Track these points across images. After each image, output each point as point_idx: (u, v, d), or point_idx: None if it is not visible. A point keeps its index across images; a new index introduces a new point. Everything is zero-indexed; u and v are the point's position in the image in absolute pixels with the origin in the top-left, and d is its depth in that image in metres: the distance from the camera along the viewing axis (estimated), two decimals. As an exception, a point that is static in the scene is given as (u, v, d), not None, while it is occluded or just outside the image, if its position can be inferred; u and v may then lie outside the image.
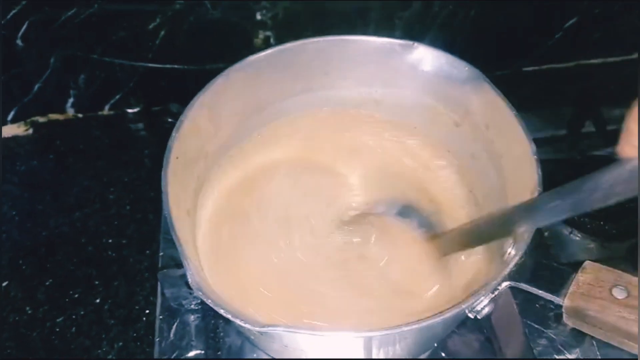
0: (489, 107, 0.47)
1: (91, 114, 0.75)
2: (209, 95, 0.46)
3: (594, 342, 0.54)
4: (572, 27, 0.75)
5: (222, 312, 0.36)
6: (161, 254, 0.60)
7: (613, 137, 0.70)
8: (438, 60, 0.49)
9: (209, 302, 0.37)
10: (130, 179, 0.69)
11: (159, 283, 0.58)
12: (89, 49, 0.68)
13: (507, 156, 0.47)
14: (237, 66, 0.48)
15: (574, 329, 0.54)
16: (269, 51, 0.49)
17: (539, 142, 0.67)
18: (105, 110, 0.75)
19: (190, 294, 0.56)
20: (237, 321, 0.36)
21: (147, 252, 0.63)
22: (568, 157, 0.67)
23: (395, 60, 0.50)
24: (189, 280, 0.37)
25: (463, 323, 0.57)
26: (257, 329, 0.35)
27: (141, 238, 0.64)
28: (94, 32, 0.66)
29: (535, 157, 0.43)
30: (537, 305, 0.57)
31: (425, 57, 0.49)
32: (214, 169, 0.51)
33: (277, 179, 0.54)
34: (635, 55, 0.81)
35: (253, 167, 0.54)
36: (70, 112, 0.75)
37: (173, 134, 0.44)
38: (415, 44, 0.50)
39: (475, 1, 0.70)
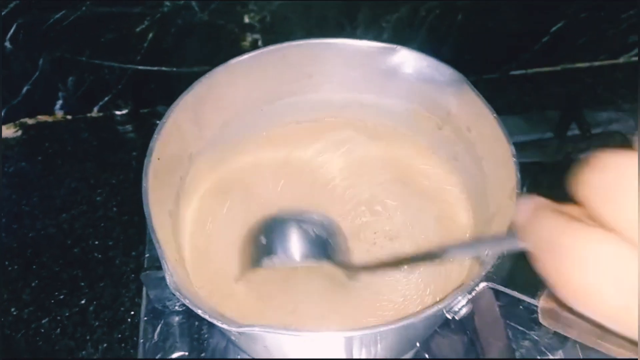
0: (470, 109, 0.47)
1: (80, 115, 0.76)
2: (192, 97, 0.47)
3: (577, 344, 0.55)
4: (559, 31, 0.76)
5: (199, 312, 0.36)
6: (147, 255, 0.61)
7: (597, 140, 0.71)
8: (420, 63, 0.49)
9: (186, 302, 0.37)
10: (118, 180, 0.69)
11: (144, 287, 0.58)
12: (78, 51, 0.68)
13: (488, 158, 0.47)
14: (221, 68, 0.48)
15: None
16: (253, 53, 0.49)
17: (525, 145, 0.68)
18: (94, 112, 0.76)
19: (174, 295, 0.56)
20: (215, 321, 0.36)
21: (133, 254, 0.63)
22: (553, 159, 0.67)
23: (378, 63, 0.50)
24: (167, 281, 0.38)
25: (447, 325, 0.57)
26: (235, 329, 0.36)
27: (127, 240, 0.65)
28: (82, 34, 0.67)
29: (515, 159, 0.43)
30: (520, 307, 0.57)
31: (408, 60, 0.49)
32: (197, 169, 0.51)
33: (262, 180, 0.54)
34: (620, 60, 0.82)
35: (237, 168, 0.54)
36: (59, 114, 0.75)
37: (154, 135, 0.44)
38: (398, 47, 0.50)
39: (462, 6, 0.70)
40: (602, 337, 0.35)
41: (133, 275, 0.62)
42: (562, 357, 0.55)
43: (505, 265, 0.40)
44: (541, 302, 0.37)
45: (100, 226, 0.66)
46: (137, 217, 0.66)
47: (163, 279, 0.53)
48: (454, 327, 0.57)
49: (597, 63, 0.82)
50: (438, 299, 0.38)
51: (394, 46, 0.50)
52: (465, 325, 0.57)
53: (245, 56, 0.49)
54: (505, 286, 0.39)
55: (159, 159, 0.43)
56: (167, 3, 0.65)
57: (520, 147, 0.47)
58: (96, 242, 0.64)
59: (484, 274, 0.38)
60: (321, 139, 0.56)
